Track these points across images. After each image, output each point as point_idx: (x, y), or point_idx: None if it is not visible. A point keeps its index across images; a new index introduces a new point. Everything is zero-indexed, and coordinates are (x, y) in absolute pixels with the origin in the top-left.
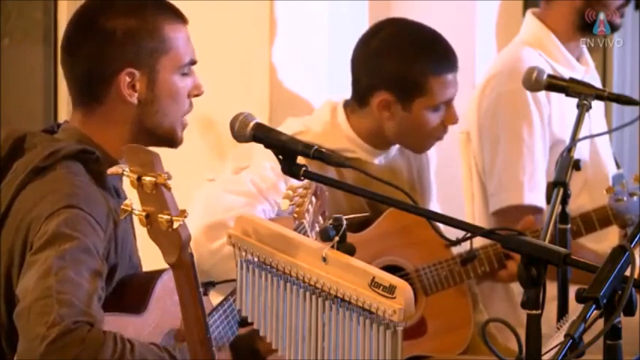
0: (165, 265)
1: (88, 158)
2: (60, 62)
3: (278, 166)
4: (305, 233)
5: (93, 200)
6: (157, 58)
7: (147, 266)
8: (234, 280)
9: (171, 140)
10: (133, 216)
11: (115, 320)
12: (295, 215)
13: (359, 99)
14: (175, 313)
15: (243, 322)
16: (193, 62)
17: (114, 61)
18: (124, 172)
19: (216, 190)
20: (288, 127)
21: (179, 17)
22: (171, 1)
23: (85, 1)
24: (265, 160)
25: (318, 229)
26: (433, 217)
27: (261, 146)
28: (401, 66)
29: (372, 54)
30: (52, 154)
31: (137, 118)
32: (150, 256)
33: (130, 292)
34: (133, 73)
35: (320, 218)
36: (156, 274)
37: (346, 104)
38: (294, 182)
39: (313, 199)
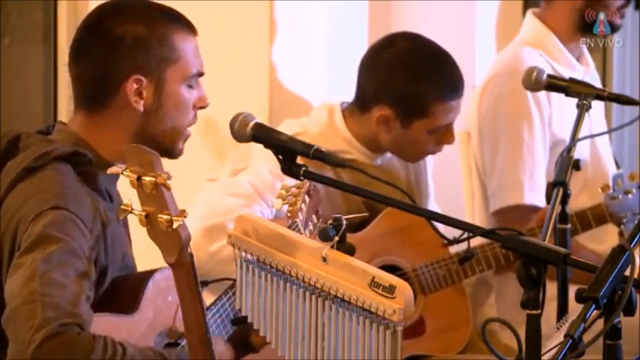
0: (165, 265)
1: (80, 161)
2: (67, 65)
3: (275, 168)
4: (298, 232)
5: (80, 201)
6: (165, 66)
7: (147, 266)
8: (227, 280)
9: (171, 151)
10: (130, 216)
11: (107, 321)
12: (288, 214)
13: (360, 105)
14: (168, 312)
15: (236, 321)
16: (201, 74)
17: (122, 66)
18: (124, 172)
19: (215, 192)
20: (286, 128)
21: (189, 28)
22: (172, 2)
23: (95, 8)
24: (263, 162)
25: (311, 227)
26: (432, 216)
27: (259, 148)
28: (407, 86)
29: (380, 67)
30: (43, 154)
31: (140, 125)
32: (150, 256)
33: (121, 292)
34: (140, 79)
35: (313, 217)
36: (147, 275)
37: (345, 106)
38: (288, 182)
39: (307, 198)
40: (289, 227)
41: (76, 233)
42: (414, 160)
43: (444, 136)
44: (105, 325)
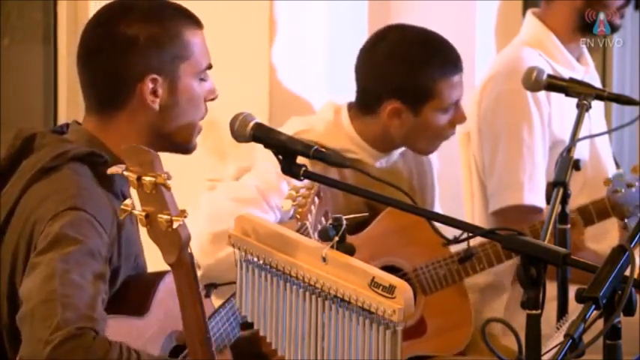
0: (166, 265)
1: (97, 161)
2: (77, 67)
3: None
4: (307, 234)
5: (98, 202)
6: (179, 64)
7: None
8: (231, 284)
9: (187, 146)
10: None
11: (117, 322)
12: (298, 216)
13: (365, 107)
14: (178, 314)
15: (245, 325)
16: (210, 67)
17: (137, 67)
18: (124, 172)
19: (220, 196)
20: (291, 125)
21: (196, 22)
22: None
23: (102, 7)
24: (268, 162)
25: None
26: (433, 217)
27: (262, 147)
28: (408, 74)
29: (377, 63)
30: (60, 155)
31: (156, 124)
32: (150, 256)
33: (132, 293)
34: (156, 79)
35: (322, 219)
36: (158, 276)
37: (350, 107)
38: (297, 183)
39: (316, 199)
40: (298, 230)
41: (92, 234)
42: (431, 150)
43: (454, 115)
44: (115, 326)
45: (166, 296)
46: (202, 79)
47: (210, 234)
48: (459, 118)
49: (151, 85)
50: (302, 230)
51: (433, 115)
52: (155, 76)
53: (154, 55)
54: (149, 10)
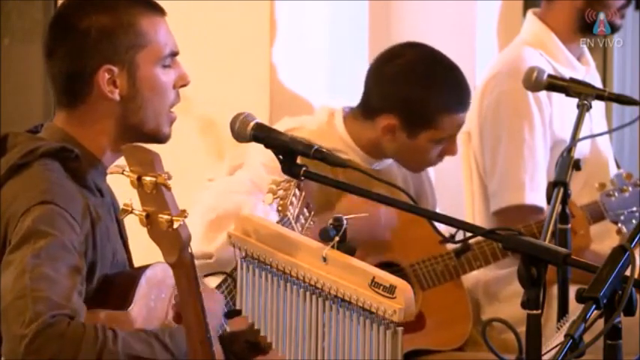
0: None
1: (67, 156)
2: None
3: (271, 163)
4: (289, 226)
5: (69, 196)
6: (135, 53)
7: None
8: (217, 273)
9: (157, 135)
10: (128, 215)
11: (100, 316)
12: (279, 208)
13: (365, 113)
14: (161, 308)
15: (230, 314)
16: (175, 53)
17: (91, 59)
18: (124, 172)
19: (215, 190)
20: (284, 124)
21: (156, 10)
22: (172, 2)
23: (61, 3)
24: (258, 157)
25: (302, 221)
26: (432, 216)
27: (256, 145)
28: (415, 97)
29: (388, 77)
30: (30, 151)
31: (121, 115)
32: (150, 256)
33: (113, 289)
34: (111, 69)
35: (305, 210)
36: (139, 271)
37: (347, 110)
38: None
39: (297, 191)
40: (279, 222)
41: (65, 227)
42: (417, 170)
43: (447, 147)
44: (98, 319)
45: (148, 291)
46: (167, 66)
47: (208, 221)
48: (449, 151)
49: (107, 76)
50: (283, 223)
51: (426, 143)
52: (110, 66)
53: (107, 46)
54: (102, 2)
